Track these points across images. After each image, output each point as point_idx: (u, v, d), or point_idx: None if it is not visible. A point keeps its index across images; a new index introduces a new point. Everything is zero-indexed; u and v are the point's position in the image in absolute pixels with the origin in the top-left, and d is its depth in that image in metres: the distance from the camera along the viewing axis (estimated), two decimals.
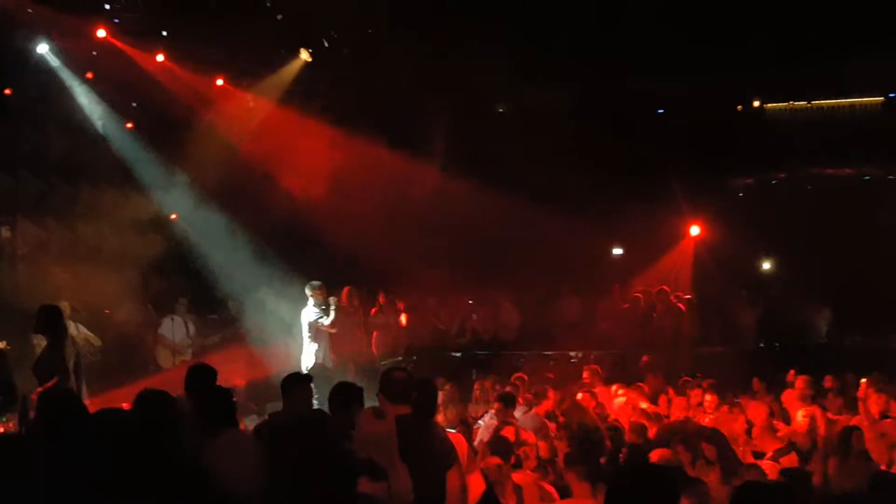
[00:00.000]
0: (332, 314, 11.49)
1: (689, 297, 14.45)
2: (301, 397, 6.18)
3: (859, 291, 13.92)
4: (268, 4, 11.40)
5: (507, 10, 13.94)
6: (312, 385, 6.63)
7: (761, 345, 13.29)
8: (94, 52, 12.47)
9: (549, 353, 14.06)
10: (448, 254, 15.81)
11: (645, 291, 14.99)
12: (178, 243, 14.05)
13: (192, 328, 12.98)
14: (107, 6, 11.84)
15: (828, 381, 10.84)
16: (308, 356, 11.80)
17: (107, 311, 12.18)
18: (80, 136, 13.02)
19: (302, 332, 11.81)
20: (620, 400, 10.60)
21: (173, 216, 14.36)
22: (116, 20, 11.97)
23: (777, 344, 12.81)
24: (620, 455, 7.69)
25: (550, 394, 10.65)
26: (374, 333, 14.06)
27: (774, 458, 7.95)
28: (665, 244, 16.36)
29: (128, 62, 12.89)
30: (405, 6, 13.08)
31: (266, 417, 7.54)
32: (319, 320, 11.48)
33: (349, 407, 5.60)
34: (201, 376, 6.09)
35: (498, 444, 7.41)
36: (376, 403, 5.26)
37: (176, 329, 12.84)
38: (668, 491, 3.29)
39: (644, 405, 10.13)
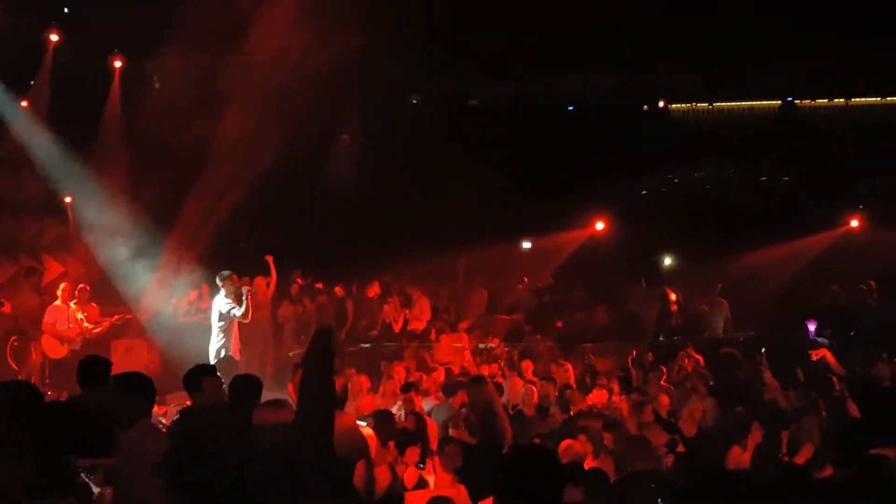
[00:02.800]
0: (245, 304, 11.22)
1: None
2: (210, 389, 5.89)
3: (754, 287, 14.47)
4: None
5: (424, 4, 13.94)
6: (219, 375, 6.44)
7: (661, 338, 13.65)
8: None
9: (458, 344, 14.12)
10: (359, 243, 15.78)
11: (553, 284, 15.26)
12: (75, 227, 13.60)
13: (80, 315, 12.34)
14: None
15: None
16: (216, 346, 11.55)
17: (2, 299, 11.60)
18: None
19: (212, 322, 11.54)
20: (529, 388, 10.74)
21: (68, 199, 13.84)
22: None
23: (676, 338, 13.19)
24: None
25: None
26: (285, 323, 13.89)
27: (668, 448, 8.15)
28: (572, 239, 16.70)
29: (24, 38, 12.37)
30: None
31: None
32: (232, 310, 11.20)
33: (248, 400, 5.48)
34: (95, 368, 5.80)
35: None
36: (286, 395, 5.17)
37: (61, 317, 12.09)
38: (547, 470, 3.27)
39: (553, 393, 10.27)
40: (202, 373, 5.94)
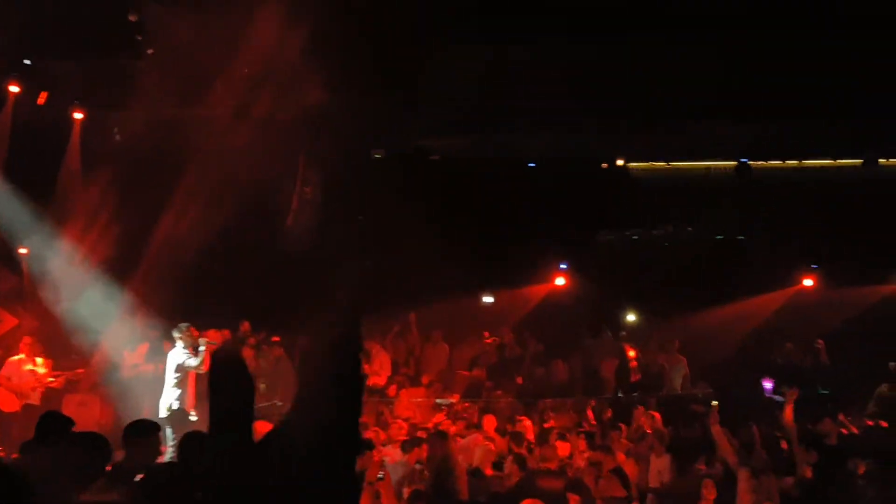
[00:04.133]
0: (201, 355, 11.11)
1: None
2: (145, 450, 5.78)
3: (711, 344, 14.65)
4: (138, 38, 11.08)
5: (387, 59, 14.09)
6: (162, 434, 6.32)
7: (620, 395, 13.72)
8: None
9: (418, 399, 14.05)
10: (314, 296, 15.66)
11: (514, 339, 15.29)
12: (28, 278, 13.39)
13: (39, 369, 12.13)
14: None
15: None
16: (168, 400, 11.38)
17: None
18: None
19: (167, 375, 11.38)
20: (484, 445, 10.70)
21: (23, 250, 13.65)
22: None
23: (635, 394, 13.26)
24: None
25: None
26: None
27: None
28: (533, 293, 16.80)
29: None
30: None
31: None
32: (187, 361, 11.08)
33: (198, 458, 5.40)
34: (55, 425, 5.68)
35: None
36: None
37: (16, 370, 11.92)
38: None
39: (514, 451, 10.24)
40: (137, 431, 5.83)
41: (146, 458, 5.65)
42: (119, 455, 9.72)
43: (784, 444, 9.06)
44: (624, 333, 15.91)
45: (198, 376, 11.49)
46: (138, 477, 4.97)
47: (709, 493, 7.70)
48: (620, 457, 10.09)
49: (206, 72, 13.08)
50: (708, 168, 17.34)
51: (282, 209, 16.28)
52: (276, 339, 14.92)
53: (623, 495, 8.14)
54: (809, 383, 13.35)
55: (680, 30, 12.79)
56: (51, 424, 5.68)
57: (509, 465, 9.65)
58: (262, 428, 5.12)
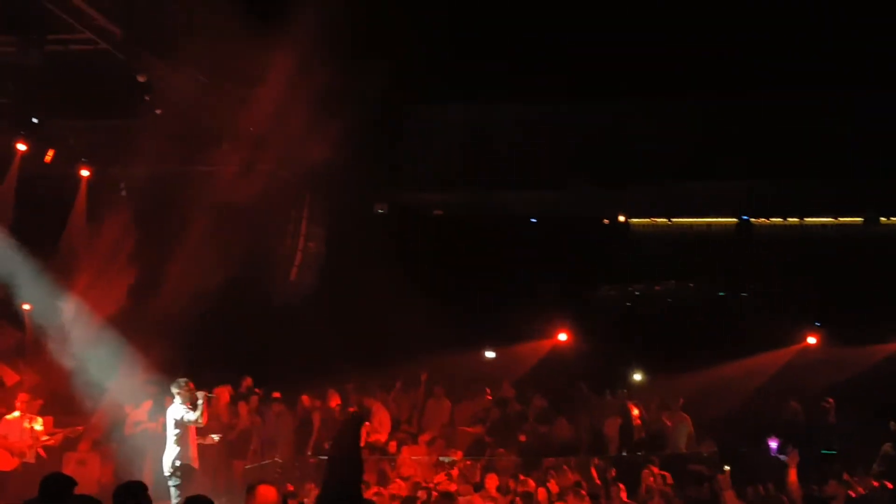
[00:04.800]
0: (200, 409, 10.98)
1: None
2: None
3: (714, 403, 14.57)
4: (146, 98, 11.24)
5: (388, 116, 14.30)
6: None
7: (624, 454, 13.58)
8: None
9: (420, 457, 13.93)
10: (319, 352, 15.67)
11: (516, 395, 15.21)
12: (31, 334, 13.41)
13: (36, 426, 11.97)
14: None
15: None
16: (171, 457, 11.26)
17: None
18: None
19: (167, 432, 11.27)
20: None
21: (27, 306, 13.67)
22: None
23: (640, 453, 13.14)
24: None
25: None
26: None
27: None
28: (535, 349, 16.75)
29: None
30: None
31: None
32: (185, 416, 10.96)
33: None
34: (57, 486, 5.62)
35: None
36: None
37: (13, 429, 11.71)
38: None
39: None
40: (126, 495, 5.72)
41: None
42: None
43: None
44: (625, 391, 15.83)
45: (198, 430, 11.40)
46: None
47: None
48: None
49: (211, 130, 13.26)
50: (709, 224, 17.43)
51: (285, 264, 16.35)
52: (276, 395, 14.84)
53: None
54: (814, 443, 13.27)
55: (681, 90, 12.99)
56: (53, 485, 5.62)
57: None
58: (266, 492, 5.11)
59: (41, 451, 11.90)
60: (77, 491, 10.06)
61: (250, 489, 5.14)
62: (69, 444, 12.53)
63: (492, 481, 12.29)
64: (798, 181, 14.59)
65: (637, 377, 16.56)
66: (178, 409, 11.15)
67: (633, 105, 14.25)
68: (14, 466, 11.60)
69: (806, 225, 16.87)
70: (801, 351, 15.62)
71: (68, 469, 12.28)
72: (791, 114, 13.93)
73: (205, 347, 14.18)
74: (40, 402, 12.25)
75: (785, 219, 16.89)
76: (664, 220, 17.58)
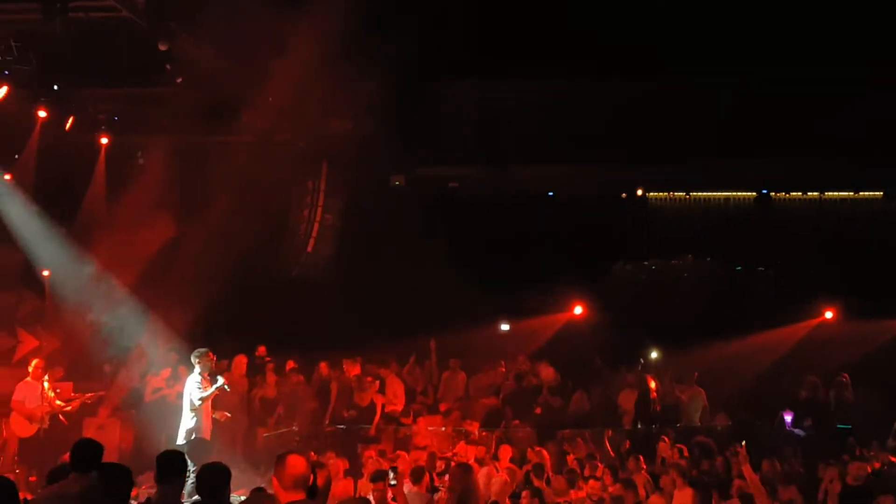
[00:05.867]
0: (211, 391, 10.98)
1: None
2: (177, 490, 5.69)
3: (730, 377, 14.58)
4: (167, 67, 11.26)
5: (406, 88, 14.27)
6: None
7: (639, 426, 13.64)
8: None
9: (437, 427, 14.03)
10: (335, 323, 15.75)
11: (533, 368, 15.26)
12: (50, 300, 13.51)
13: (50, 392, 12.07)
14: None
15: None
16: (186, 427, 11.37)
17: None
18: None
19: (184, 402, 11.36)
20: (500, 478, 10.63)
21: (46, 272, 13.78)
22: (6, 72, 11.56)
23: (654, 426, 13.19)
24: None
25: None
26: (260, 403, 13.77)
27: None
28: (550, 322, 16.78)
29: (12, 115, 12.49)
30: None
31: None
32: (192, 395, 10.98)
33: (217, 492, 5.40)
34: (89, 453, 5.64)
35: None
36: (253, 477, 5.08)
37: (30, 394, 11.76)
38: None
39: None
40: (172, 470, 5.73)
41: (176, 498, 5.61)
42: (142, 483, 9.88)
43: None
44: (641, 362, 15.84)
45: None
46: None
47: None
48: (642, 491, 10.04)
49: (231, 100, 13.27)
50: (728, 199, 17.37)
51: (303, 235, 16.40)
52: (291, 364, 14.91)
53: None
54: (830, 418, 13.29)
55: (702, 66, 12.91)
56: (83, 451, 5.64)
57: (527, 499, 9.55)
58: (294, 461, 5.12)
59: (62, 418, 12.02)
60: None
61: (279, 458, 5.11)
62: (89, 410, 12.64)
63: (505, 452, 12.37)
64: (817, 155, 14.50)
65: (654, 354, 16.55)
66: (193, 382, 11.23)
67: (652, 81, 14.18)
68: (33, 433, 11.72)
69: (825, 199, 16.80)
70: (818, 326, 15.59)
71: (88, 434, 12.42)
72: (811, 88, 13.84)
73: (223, 316, 14.28)
74: (61, 369, 12.35)
75: (804, 193, 16.82)
76: (682, 194, 17.54)
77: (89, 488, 5.00)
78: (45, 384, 11.78)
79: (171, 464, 5.70)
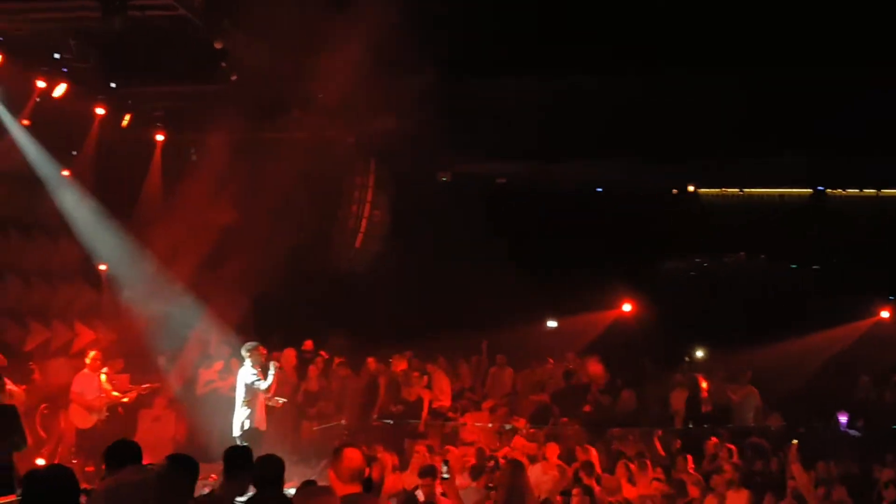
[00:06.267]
0: (271, 379, 11.23)
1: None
2: (243, 483, 5.70)
3: (783, 377, 14.35)
4: (222, 65, 11.41)
5: (454, 84, 14.26)
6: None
7: (690, 425, 13.49)
8: (38, 100, 12.22)
9: (484, 424, 14.04)
10: (383, 319, 15.84)
11: (581, 366, 15.19)
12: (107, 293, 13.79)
13: (107, 385, 12.33)
14: (56, 55, 11.66)
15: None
16: (240, 419, 11.55)
17: (33, 366, 11.67)
18: (15, 182, 12.74)
19: (237, 394, 11.55)
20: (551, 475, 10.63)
21: (103, 266, 14.04)
22: (65, 69, 11.81)
23: (706, 426, 13.03)
24: None
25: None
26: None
27: None
28: (599, 319, 16.68)
29: (70, 112, 12.77)
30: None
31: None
32: (256, 383, 11.22)
33: (277, 482, 5.46)
34: (124, 453, 5.55)
35: None
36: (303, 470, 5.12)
37: (89, 386, 12.00)
38: None
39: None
40: (239, 462, 5.80)
41: (242, 492, 5.66)
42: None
43: None
44: (687, 361, 15.67)
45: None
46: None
47: None
48: (694, 491, 9.94)
49: (282, 98, 13.41)
50: (782, 195, 17.10)
51: (351, 231, 16.50)
52: (339, 360, 15.03)
53: None
54: (885, 419, 13.02)
55: (756, 61, 12.70)
56: (119, 453, 5.52)
57: (578, 497, 9.53)
58: (351, 454, 5.17)
59: (119, 410, 12.28)
60: (152, 446, 10.42)
61: (336, 451, 5.15)
62: (145, 402, 12.88)
63: (552, 450, 12.34)
64: (875, 152, 14.19)
65: (699, 353, 16.36)
66: (247, 373, 11.41)
67: (705, 76, 13.99)
68: (91, 424, 11.96)
69: (882, 196, 16.44)
70: (873, 325, 15.28)
71: (144, 425, 12.72)
72: (869, 86, 13.53)
73: (273, 311, 14.44)
74: (121, 361, 12.59)
75: (861, 190, 16.49)
76: (735, 190, 17.30)
77: (158, 476, 5.10)
78: (103, 376, 12.04)
79: (236, 459, 5.80)
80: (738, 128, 13.69)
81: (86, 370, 12.04)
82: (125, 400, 12.36)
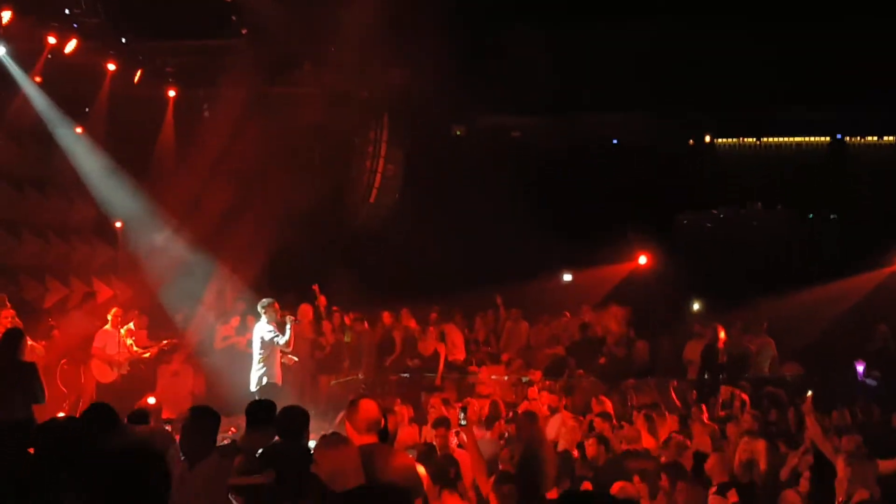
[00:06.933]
0: (289, 333, 11.31)
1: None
2: (266, 437, 5.71)
3: (801, 326, 14.30)
4: (233, 19, 11.31)
5: (468, 38, 14.11)
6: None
7: (706, 376, 13.47)
8: (49, 56, 12.17)
9: (499, 376, 14.10)
10: (397, 272, 15.86)
11: (595, 318, 15.18)
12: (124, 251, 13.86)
13: (128, 340, 12.47)
14: (67, 11, 11.58)
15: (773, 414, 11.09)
16: (257, 374, 11.64)
17: (52, 322, 11.77)
18: (29, 140, 12.74)
19: (253, 350, 11.63)
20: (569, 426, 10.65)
21: (119, 223, 14.08)
22: (76, 25, 11.73)
23: (721, 376, 13.01)
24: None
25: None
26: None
27: (720, 493, 8.03)
28: (614, 272, 16.63)
29: (81, 68, 12.71)
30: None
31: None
32: (275, 338, 11.29)
33: (301, 433, 5.51)
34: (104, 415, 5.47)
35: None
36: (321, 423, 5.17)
37: (110, 341, 12.12)
38: None
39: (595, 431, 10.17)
40: (262, 417, 5.86)
41: (266, 442, 5.71)
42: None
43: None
44: (709, 314, 15.58)
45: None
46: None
47: (805, 480, 7.53)
48: (706, 440, 9.95)
49: (294, 52, 13.30)
50: (800, 144, 16.92)
51: (365, 186, 16.47)
52: (356, 314, 15.06)
53: (724, 480, 7.99)
54: None
55: (772, 12, 12.48)
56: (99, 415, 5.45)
57: (593, 446, 9.56)
58: (367, 405, 5.20)
59: (142, 366, 12.42)
60: (172, 400, 10.50)
61: (352, 403, 5.20)
62: (163, 357, 12.99)
63: (570, 401, 12.40)
64: (894, 98, 13.96)
65: (696, 306, 16.23)
66: (263, 328, 11.48)
67: (721, 27, 13.75)
68: (113, 379, 12.12)
69: None
70: (892, 274, 15.14)
71: (164, 380, 12.84)
72: (885, 31, 13.27)
73: (289, 267, 14.47)
74: (145, 317, 12.68)
75: (880, 138, 16.26)
76: (752, 140, 17.12)
77: (182, 426, 5.19)
78: (123, 332, 12.17)
79: (259, 412, 5.88)
80: (754, 77, 13.49)
81: (108, 326, 12.16)
82: (146, 355, 12.49)
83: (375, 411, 5.16)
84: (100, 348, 12.05)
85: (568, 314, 15.94)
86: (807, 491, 7.48)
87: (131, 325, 12.27)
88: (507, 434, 10.59)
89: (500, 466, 8.18)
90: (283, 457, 4.71)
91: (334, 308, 14.91)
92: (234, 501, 4.74)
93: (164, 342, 12.67)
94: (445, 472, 7.35)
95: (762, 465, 8.66)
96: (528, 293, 16.27)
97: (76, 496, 3.57)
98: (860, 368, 12.60)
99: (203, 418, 5.29)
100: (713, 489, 8.12)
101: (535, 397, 12.15)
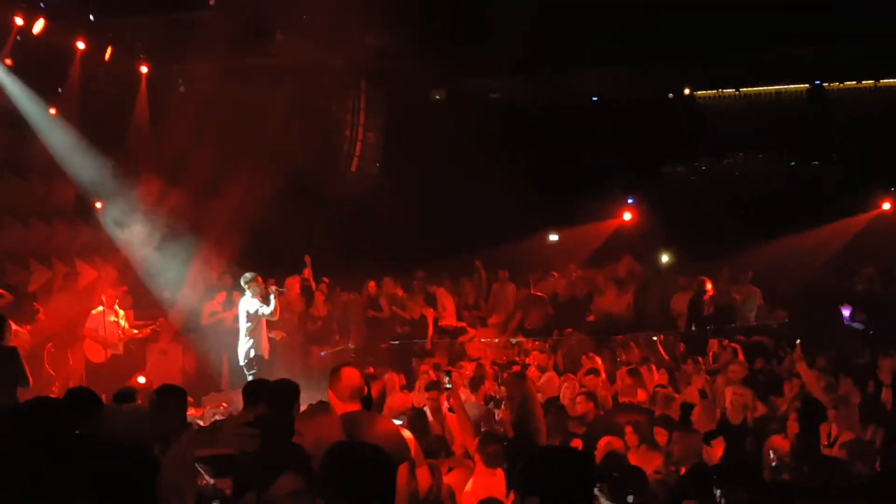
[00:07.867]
0: (273, 303, 11.37)
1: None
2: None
3: (785, 274, 14.36)
4: None
5: (439, 2, 13.95)
6: None
7: (693, 328, 13.55)
8: (18, 38, 11.98)
9: (485, 339, 14.15)
10: (381, 240, 15.82)
11: (582, 277, 15.23)
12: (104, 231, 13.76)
13: (121, 321, 12.50)
14: None
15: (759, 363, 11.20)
16: (244, 348, 11.68)
17: (37, 306, 11.72)
18: (3, 123, 12.59)
19: (240, 324, 11.65)
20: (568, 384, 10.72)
21: (98, 204, 13.99)
22: (42, 4, 11.54)
23: (709, 327, 13.08)
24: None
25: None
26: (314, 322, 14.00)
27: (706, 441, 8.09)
28: (600, 230, 16.66)
29: (51, 48, 12.52)
30: None
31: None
32: (259, 310, 11.33)
33: (290, 406, 5.51)
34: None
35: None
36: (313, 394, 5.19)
37: (102, 322, 12.18)
38: (577, 475, 3.20)
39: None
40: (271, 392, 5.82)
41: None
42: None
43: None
44: (695, 266, 15.61)
45: (267, 323, 11.78)
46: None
47: (793, 425, 7.62)
48: (694, 392, 10.05)
49: (264, 21, 13.12)
50: (779, 92, 16.86)
51: (346, 155, 16.37)
52: (325, 280, 14.98)
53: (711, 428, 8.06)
54: (887, 311, 13.02)
55: None
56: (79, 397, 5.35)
57: (583, 404, 9.63)
58: (350, 373, 5.20)
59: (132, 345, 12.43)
60: (163, 379, 10.51)
61: (334, 372, 5.22)
62: (151, 336, 12.99)
63: (560, 360, 12.47)
64: (871, 41, 13.88)
65: (665, 258, 16.22)
66: (249, 302, 11.54)
67: None
68: (105, 358, 12.17)
69: (881, 87, 16.16)
70: (875, 218, 15.18)
71: (153, 358, 12.89)
72: None
73: (272, 240, 14.41)
74: (130, 297, 12.65)
75: (859, 82, 16.20)
76: (731, 90, 17.05)
77: (151, 406, 5.18)
78: (116, 315, 12.21)
79: (253, 391, 5.90)
80: (729, 25, 13.38)
81: (100, 307, 12.20)
82: (139, 335, 12.53)
83: (357, 379, 5.18)
84: (92, 329, 12.12)
85: (556, 274, 15.97)
86: (794, 434, 7.56)
87: (116, 305, 12.27)
88: (496, 397, 10.68)
89: (483, 428, 8.27)
90: (267, 428, 4.70)
91: (324, 279, 14.90)
92: (202, 472, 4.77)
93: (160, 321, 12.72)
94: (436, 454, 7.42)
95: (749, 413, 8.76)
96: (516, 255, 16.28)
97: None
98: (846, 312, 12.68)
99: (169, 397, 5.28)
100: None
101: (534, 359, 12.25)
